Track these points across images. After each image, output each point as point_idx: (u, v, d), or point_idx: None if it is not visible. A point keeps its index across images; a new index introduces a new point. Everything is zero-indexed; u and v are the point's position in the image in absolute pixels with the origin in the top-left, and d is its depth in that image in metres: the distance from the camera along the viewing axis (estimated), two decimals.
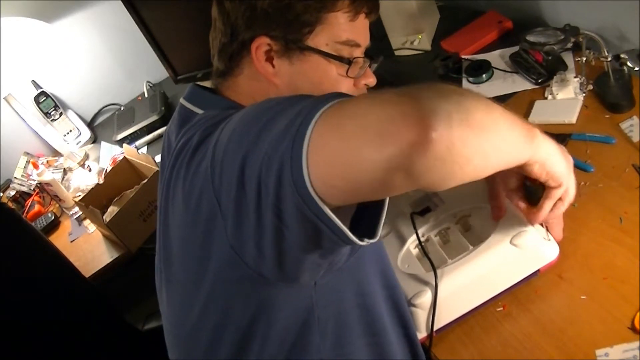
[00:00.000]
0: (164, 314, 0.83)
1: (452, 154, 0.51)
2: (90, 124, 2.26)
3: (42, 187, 1.88)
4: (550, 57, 1.21)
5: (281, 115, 0.55)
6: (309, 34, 0.77)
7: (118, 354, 1.47)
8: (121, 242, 1.53)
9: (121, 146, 1.95)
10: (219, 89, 0.84)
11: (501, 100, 1.27)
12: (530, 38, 1.24)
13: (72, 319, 1.36)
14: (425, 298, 0.85)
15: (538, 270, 0.88)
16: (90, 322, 1.42)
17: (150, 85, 2.23)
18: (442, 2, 1.72)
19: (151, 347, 1.37)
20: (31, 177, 1.94)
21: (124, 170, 1.70)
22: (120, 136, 2.00)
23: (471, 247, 0.89)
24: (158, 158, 1.67)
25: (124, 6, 1.71)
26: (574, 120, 1.12)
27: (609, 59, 1.08)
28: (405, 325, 0.85)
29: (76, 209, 1.80)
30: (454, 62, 1.44)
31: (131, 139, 1.99)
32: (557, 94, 1.17)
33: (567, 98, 1.16)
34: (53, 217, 1.82)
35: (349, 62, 0.79)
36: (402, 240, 0.97)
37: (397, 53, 1.64)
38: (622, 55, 1.06)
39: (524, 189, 0.81)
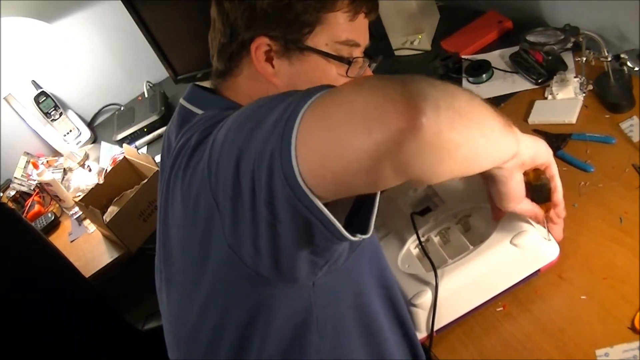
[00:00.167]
0: (164, 314, 0.83)
1: (441, 140, 0.50)
2: (90, 124, 2.26)
3: (42, 187, 1.88)
4: (550, 57, 1.21)
5: (272, 111, 0.55)
6: (309, 34, 0.77)
7: (118, 354, 1.47)
8: (121, 242, 1.53)
9: (121, 146, 1.95)
10: (218, 89, 0.84)
11: (501, 100, 1.27)
12: (530, 38, 1.24)
13: (72, 319, 1.36)
14: (426, 298, 0.85)
15: (538, 270, 0.88)
16: (90, 322, 1.42)
17: (150, 85, 2.23)
18: (442, 2, 1.72)
19: (151, 347, 1.37)
20: (31, 177, 1.94)
21: (124, 170, 1.70)
22: (120, 136, 2.00)
23: (471, 247, 0.89)
24: (158, 158, 1.67)
25: (124, 6, 1.71)
26: (574, 120, 1.12)
27: (609, 59, 1.08)
28: (404, 325, 0.85)
29: (76, 209, 1.80)
30: (454, 62, 1.44)
31: (131, 139, 1.99)
32: (557, 94, 1.17)
33: (567, 98, 1.16)
34: (53, 217, 1.82)
35: (348, 62, 0.79)
36: (402, 240, 0.97)
37: (397, 53, 1.64)
38: (622, 55, 1.06)
39: (530, 191, 0.80)
